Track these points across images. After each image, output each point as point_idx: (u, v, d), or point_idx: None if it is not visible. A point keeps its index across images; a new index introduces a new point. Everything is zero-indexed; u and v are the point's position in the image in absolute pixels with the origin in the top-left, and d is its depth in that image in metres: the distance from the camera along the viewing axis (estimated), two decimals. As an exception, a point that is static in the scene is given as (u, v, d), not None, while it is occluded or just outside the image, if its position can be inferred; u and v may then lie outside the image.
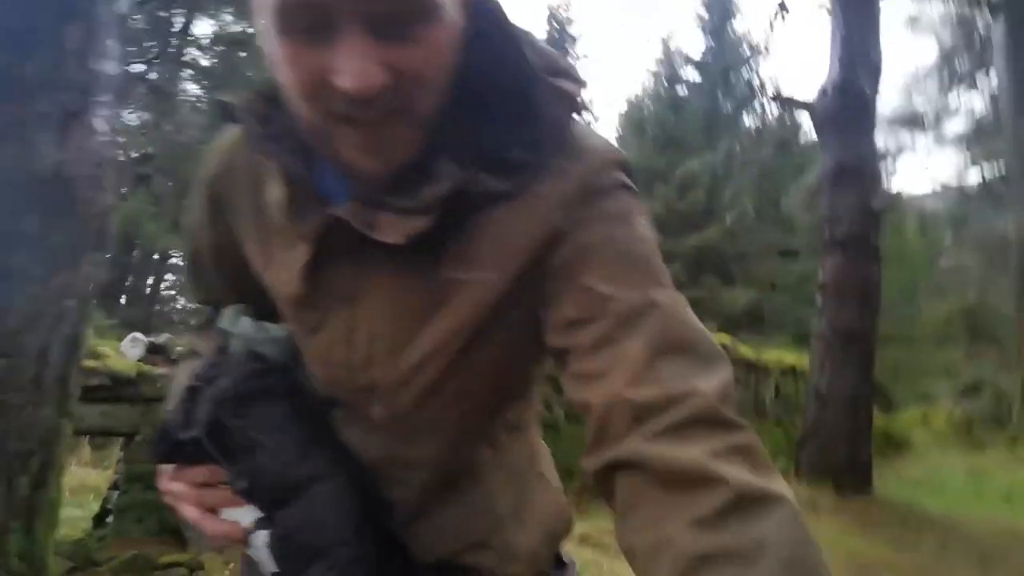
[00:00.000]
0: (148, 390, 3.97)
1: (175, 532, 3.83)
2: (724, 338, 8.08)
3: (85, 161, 2.23)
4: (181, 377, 0.71)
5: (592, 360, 0.50)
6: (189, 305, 15.44)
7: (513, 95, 0.55)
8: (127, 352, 4.13)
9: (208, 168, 0.69)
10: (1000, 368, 15.69)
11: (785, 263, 18.19)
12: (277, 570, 0.56)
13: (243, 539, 0.58)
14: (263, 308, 0.70)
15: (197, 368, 0.63)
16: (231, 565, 3.53)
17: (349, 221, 0.54)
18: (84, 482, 5.77)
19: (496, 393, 0.64)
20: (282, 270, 0.61)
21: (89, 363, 3.82)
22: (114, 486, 4.00)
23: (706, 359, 0.50)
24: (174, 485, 0.60)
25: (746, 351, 8.15)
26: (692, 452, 0.43)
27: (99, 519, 4.06)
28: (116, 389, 3.83)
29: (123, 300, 13.91)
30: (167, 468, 0.61)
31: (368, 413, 0.62)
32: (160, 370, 4.09)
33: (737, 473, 0.41)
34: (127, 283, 14.17)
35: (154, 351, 4.31)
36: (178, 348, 4.29)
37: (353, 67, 0.46)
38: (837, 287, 5.41)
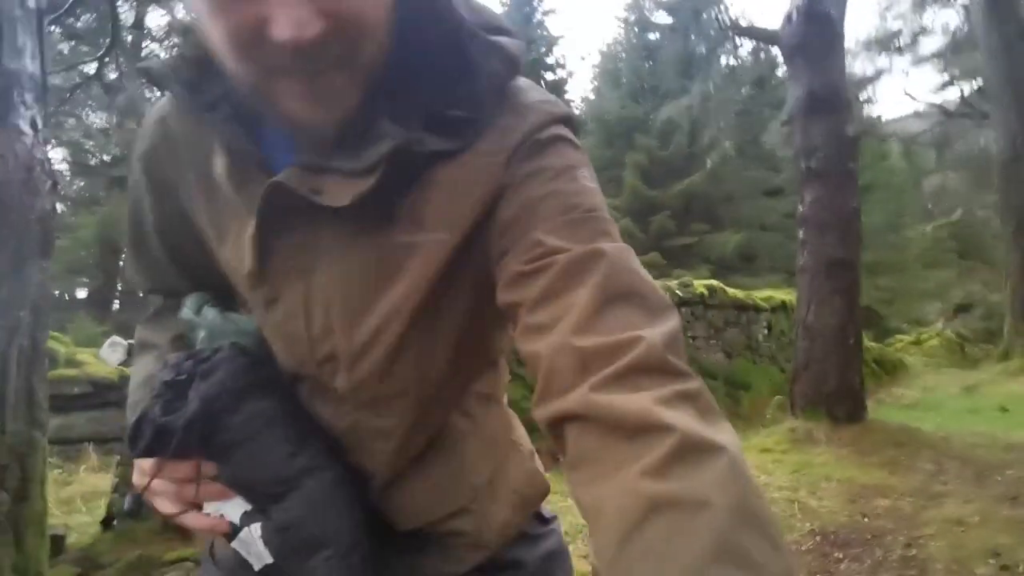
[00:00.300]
0: (133, 393, 3.95)
1: (180, 529, 3.86)
2: (714, 282, 8.09)
3: (14, 165, 2.15)
4: (142, 371, 0.69)
5: (540, 312, 0.49)
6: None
7: (450, 52, 0.54)
8: (107, 357, 4.09)
9: (143, 143, 0.66)
10: (990, 285, 15.83)
11: (771, 201, 18.13)
12: (271, 561, 0.56)
13: (230, 533, 0.57)
14: (219, 292, 0.68)
15: (172, 361, 0.61)
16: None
17: (292, 187, 0.53)
18: (96, 487, 5.80)
19: (461, 359, 0.63)
20: (235, 245, 0.60)
21: (69, 372, 3.78)
22: (115, 489, 4.00)
23: (653, 308, 0.49)
24: (155, 481, 0.58)
25: (736, 293, 8.17)
26: (638, 400, 0.41)
27: (106, 523, 4.08)
28: (100, 395, 3.81)
29: (116, 306, 13.81)
30: (146, 462, 0.58)
31: (332, 385, 0.60)
32: (143, 372, 4.06)
33: (683, 420, 0.40)
34: (117, 288, 14.04)
35: (135, 354, 4.28)
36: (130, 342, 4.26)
37: (288, 15, 0.44)
38: (817, 218, 5.36)
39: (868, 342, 9.47)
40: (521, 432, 0.75)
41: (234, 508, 0.58)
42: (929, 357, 12.08)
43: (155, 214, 0.68)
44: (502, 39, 0.57)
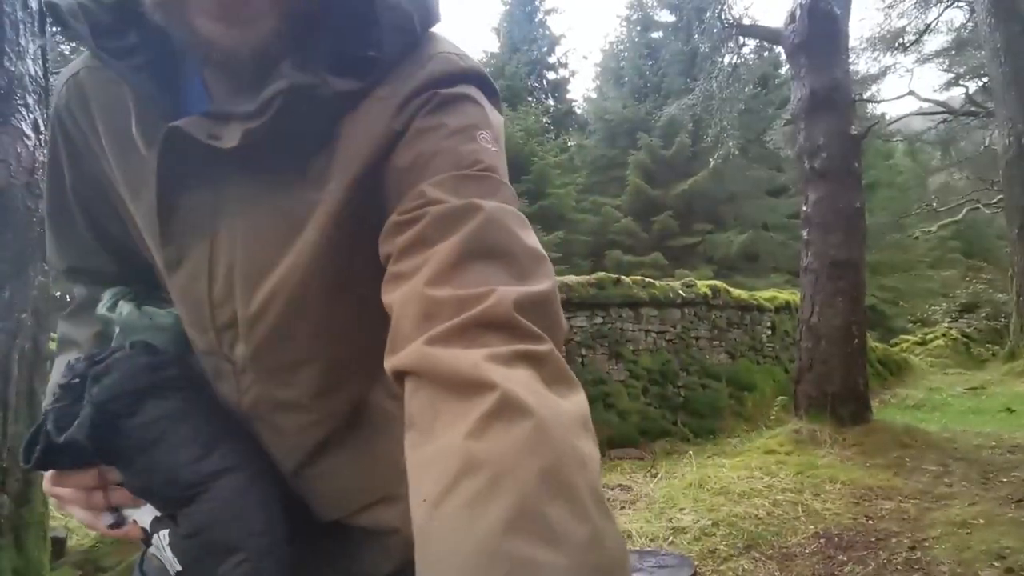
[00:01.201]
0: (135, 394, 3.94)
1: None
2: (717, 283, 8.07)
3: (16, 168, 2.14)
4: (56, 373, 0.64)
5: (403, 262, 0.47)
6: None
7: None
8: (110, 359, 4.09)
9: (57, 99, 0.60)
10: (995, 284, 15.76)
11: (775, 201, 18.08)
12: (179, 569, 0.53)
13: (145, 538, 0.55)
14: (144, 277, 0.64)
15: (73, 363, 0.57)
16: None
17: (189, 132, 0.49)
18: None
19: (369, 322, 0.55)
20: (147, 206, 0.56)
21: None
22: (116, 492, 4.01)
23: (521, 268, 0.45)
24: (59, 490, 0.55)
25: (739, 293, 8.14)
26: (471, 356, 0.38)
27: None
28: (102, 397, 3.81)
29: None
30: (47, 474, 0.56)
31: (232, 356, 0.57)
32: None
33: (511, 379, 0.36)
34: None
35: (138, 355, 4.27)
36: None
37: None
38: (821, 218, 5.33)
39: (873, 342, 9.43)
40: None
41: (145, 514, 0.55)
42: (934, 357, 12.03)
43: (70, 174, 0.63)
44: None
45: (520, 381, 0.36)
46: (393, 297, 0.46)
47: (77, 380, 0.55)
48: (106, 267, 0.68)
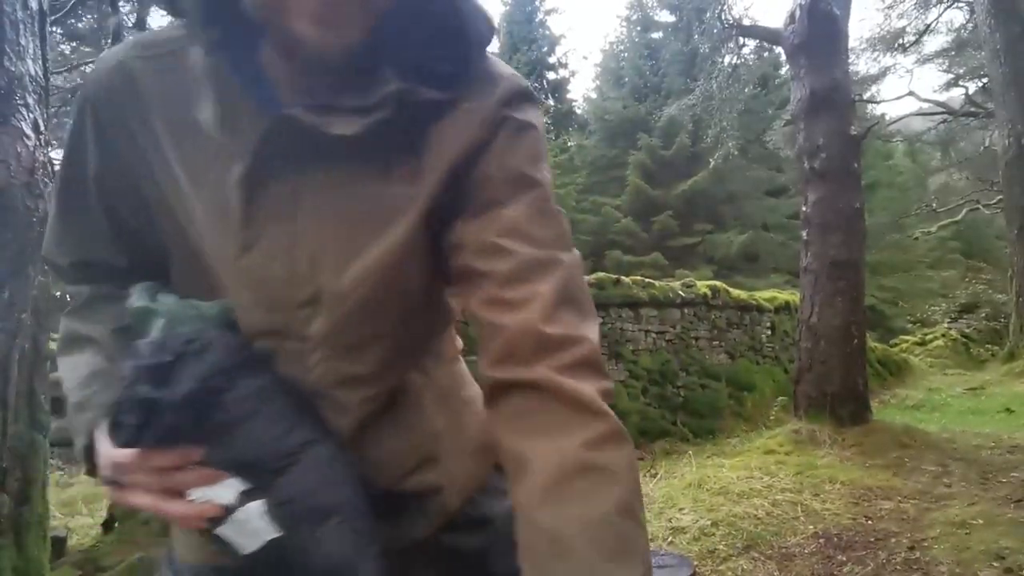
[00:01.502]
0: (135, 394, 3.93)
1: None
2: (717, 283, 8.07)
3: (16, 168, 2.14)
4: (83, 367, 0.64)
5: (509, 290, 0.58)
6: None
7: (447, 9, 0.57)
8: (109, 359, 4.09)
9: (94, 86, 0.62)
10: (995, 285, 15.76)
11: (775, 201, 18.09)
12: (273, 536, 0.56)
13: (219, 517, 0.56)
14: (152, 270, 0.66)
15: (145, 349, 0.57)
16: (238, 557, 3.56)
17: (299, 119, 0.54)
18: (97, 489, 5.81)
19: (428, 309, 0.69)
20: (213, 190, 0.59)
21: (71, 374, 3.79)
22: (116, 492, 4.00)
23: (589, 313, 0.60)
24: (133, 476, 0.55)
25: (739, 293, 8.15)
26: (588, 388, 0.54)
27: (108, 525, 4.08)
28: (102, 397, 3.80)
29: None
30: (123, 453, 0.55)
31: (306, 332, 0.61)
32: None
33: (610, 412, 0.54)
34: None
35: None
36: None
37: None
38: (821, 218, 5.33)
39: (872, 343, 9.44)
40: (475, 391, 0.77)
41: (226, 490, 0.56)
42: (934, 358, 12.04)
43: (96, 161, 0.63)
44: (480, 3, 0.60)
45: (613, 413, 0.55)
46: (503, 320, 0.57)
47: (168, 359, 0.55)
48: (116, 260, 0.68)
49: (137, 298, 0.63)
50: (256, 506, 0.56)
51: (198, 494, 0.56)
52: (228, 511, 0.56)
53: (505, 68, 0.64)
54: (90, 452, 0.60)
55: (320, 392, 0.62)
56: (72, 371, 0.65)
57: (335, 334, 0.61)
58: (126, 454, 0.55)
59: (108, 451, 0.56)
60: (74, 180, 0.66)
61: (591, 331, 0.58)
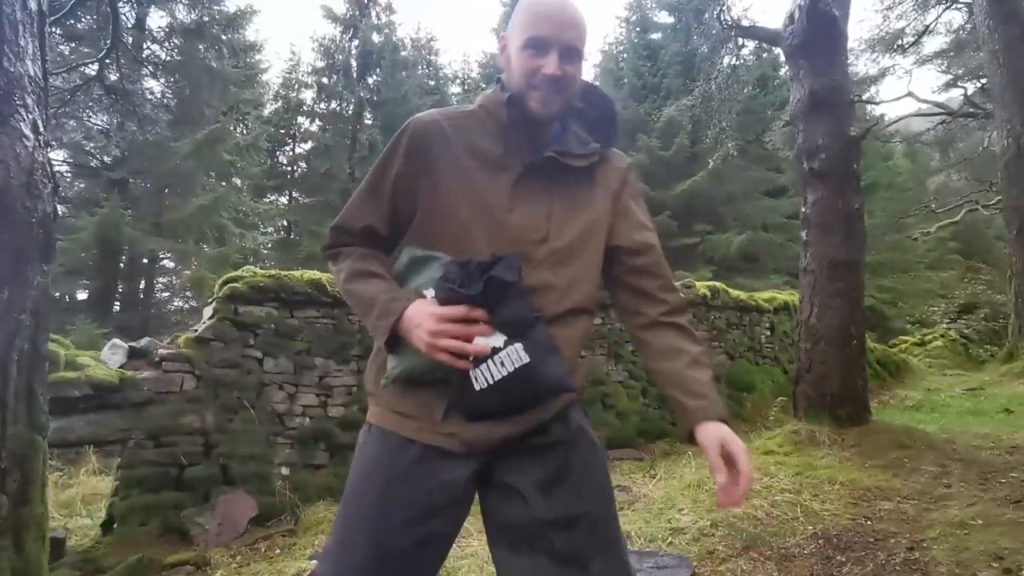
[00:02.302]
0: (134, 395, 3.94)
1: (180, 531, 3.85)
2: (716, 283, 8.06)
3: (15, 169, 2.14)
4: (376, 285, 1.09)
5: (649, 278, 1.20)
6: (185, 306, 15.32)
7: (608, 113, 1.22)
8: (108, 360, 4.08)
9: (420, 128, 1.13)
10: (994, 285, 15.75)
11: (774, 202, 18.09)
12: (527, 361, 0.99)
13: (489, 354, 0.98)
14: (393, 234, 1.17)
15: (458, 263, 1.03)
16: (237, 558, 3.56)
17: (557, 156, 1.10)
18: (96, 490, 5.80)
19: (592, 266, 1.17)
20: (487, 182, 1.09)
21: (70, 375, 3.77)
22: (115, 492, 4.00)
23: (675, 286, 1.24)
24: (449, 326, 0.97)
25: (738, 294, 8.15)
26: (688, 322, 1.20)
27: (107, 525, 4.07)
28: (101, 398, 3.79)
29: (116, 307, 13.79)
30: (455, 309, 0.98)
31: (534, 255, 1.08)
32: (144, 374, 4.05)
33: (694, 330, 1.21)
34: (118, 290, 14.03)
35: (136, 356, 4.26)
36: (160, 350, 4.25)
37: (551, 64, 1.07)
38: (820, 219, 5.31)
39: (871, 343, 9.44)
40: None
41: (496, 339, 0.99)
42: (933, 358, 12.03)
43: (399, 173, 1.12)
44: (613, 101, 1.24)
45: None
46: (649, 288, 1.19)
47: (475, 267, 1.01)
48: (382, 230, 1.16)
49: (413, 251, 1.11)
50: (518, 345, 0.99)
51: (480, 341, 0.98)
52: (494, 351, 0.98)
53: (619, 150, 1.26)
54: (392, 337, 1.03)
55: (533, 291, 1.05)
56: (369, 287, 1.09)
57: (549, 259, 1.09)
58: (456, 309, 0.98)
59: (431, 308, 1.00)
60: (381, 177, 1.14)
61: (680, 295, 1.22)
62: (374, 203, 1.14)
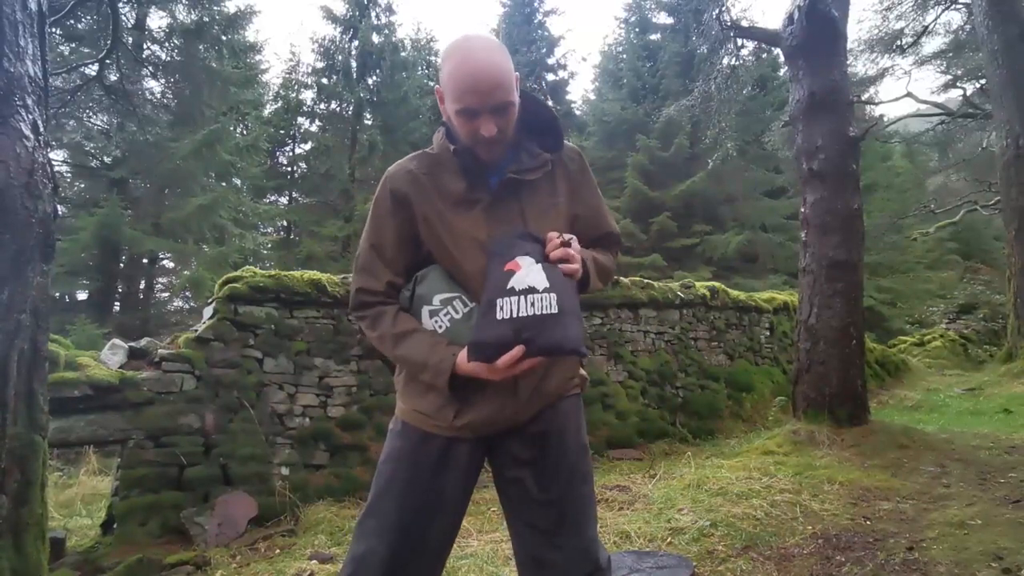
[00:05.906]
0: (133, 395, 3.93)
1: (180, 532, 3.85)
2: (715, 284, 8.07)
3: (15, 169, 2.14)
4: (427, 339, 1.23)
5: (600, 250, 1.41)
6: (185, 306, 15.31)
7: (547, 121, 1.34)
8: (108, 360, 4.08)
9: (395, 181, 1.29)
10: (993, 286, 15.76)
11: (773, 202, 18.09)
12: (554, 312, 1.10)
13: (524, 290, 1.12)
14: (410, 270, 1.30)
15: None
16: (237, 558, 3.56)
17: (515, 176, 1.26)
18: (96, 490, 5.80)
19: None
20: (463, 218, 1.25)
21: (70, 375, 3.77)
22: (115, 492, 4.00)
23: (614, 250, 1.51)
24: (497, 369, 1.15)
25: (737, 294, 8.15)
26: (614, 253, 1.49)
27: (106, 526, 4.07)
28: (100, 398, 3.79)
29: (116, 308, 13.78)
30: (482, 367, 1.15)
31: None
32: (144, 374, 4.05)
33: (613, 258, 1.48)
34: (118, 290, 14.01)
35: (136, 356, 4.26)
36: (160, 350, 4.25)
37: (487, 127, 1.19)
38: (819, 219, 5.31)
39: (871, 343, 9.45)
40: None
41: (540, 280, 1.13)
42: (932, 358, 12.04)
43: (396, 224, 1.28)
44: (552, 110, 1.38)
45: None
46: (600, 244, 1.43)
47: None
48: (401, 280, 1.30)
49: (433, 276, 1.25)
50: (553, 296, 1.10)
51: (525, 277, 1.12)
52: (531, 290, 1.11)
53: (569, 144, 1.40)
54: (452, 375, 1.18)
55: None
56: (419, 345, 1.22)
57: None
58: (483, 365, 1.13)
59: (472, 366, 1.15)
60: (379, 234, 1.29)
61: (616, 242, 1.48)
62: (383, 259, 1.29)
